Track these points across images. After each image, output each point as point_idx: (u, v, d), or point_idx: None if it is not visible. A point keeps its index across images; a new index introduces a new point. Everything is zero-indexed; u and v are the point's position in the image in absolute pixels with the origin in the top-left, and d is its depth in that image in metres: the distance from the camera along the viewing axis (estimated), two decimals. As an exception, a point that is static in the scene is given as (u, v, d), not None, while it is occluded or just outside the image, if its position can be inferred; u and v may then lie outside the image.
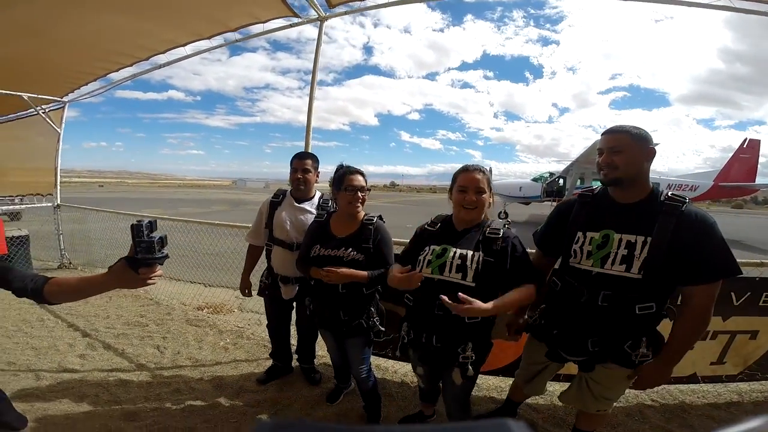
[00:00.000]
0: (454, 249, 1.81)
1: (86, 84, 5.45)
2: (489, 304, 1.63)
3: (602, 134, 1.73)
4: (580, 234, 1.74)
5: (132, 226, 1.11)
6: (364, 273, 2.11)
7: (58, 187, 6.44)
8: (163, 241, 1.16)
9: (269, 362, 3.11)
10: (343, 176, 2.18)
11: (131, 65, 4.76)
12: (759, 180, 20.97)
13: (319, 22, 3.57)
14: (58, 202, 6.43)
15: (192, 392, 2.75)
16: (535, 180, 20.36)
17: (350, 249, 2.13)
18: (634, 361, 1.68)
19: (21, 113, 6.25)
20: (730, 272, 1.54)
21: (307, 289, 2.47)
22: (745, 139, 20.84)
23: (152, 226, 1.14)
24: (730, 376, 2.86)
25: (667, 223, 1.55)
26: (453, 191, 1.89)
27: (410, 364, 2.85)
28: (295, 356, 3.09)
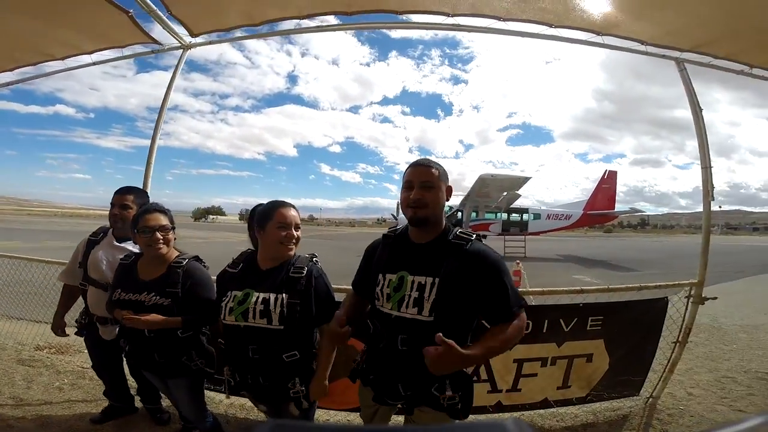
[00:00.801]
0: (256, 294, 1.76)
1: None
2: (321, 377, 1.79)
3: (412, 166, 1.65)
4: (380, 276, 1.66)
5: None
6: (177, 319, 1.99)
7: None
8: None
9: (95, 412, 2.86)
10: (138, 217, 2.09)
11: (11, 70, 4.00)
12: (618, 207, 24.43)
13: (182, 50, 3.50)
14: None
15: (9, 429, 2.48)
16: None
17: (152, 293, 2.00)
18: (443, 404, 1.56)
19: None
20: (523, 305, 1.56)
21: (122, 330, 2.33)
22: (606, 171, 24.38)
23: None
24: (579, 398, 2.98)
25: (453, 263, 1.52)
26: (263, 227, 1.83)
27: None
28: (137, 397, 2.90)
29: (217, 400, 3.04)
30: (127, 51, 3.48)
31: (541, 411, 2.98)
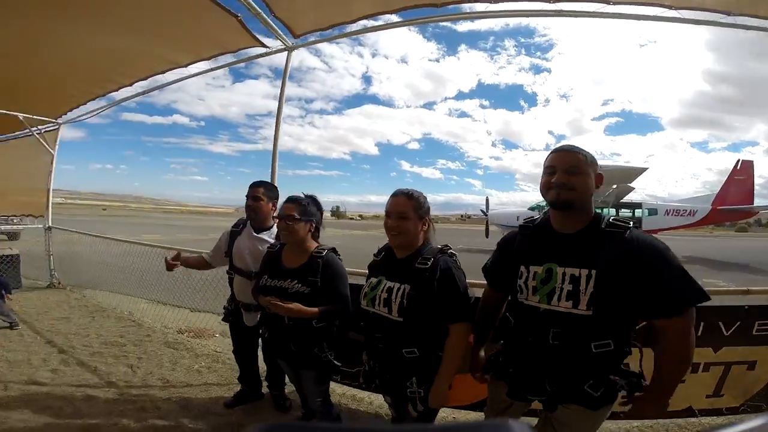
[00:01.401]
0: (387, 282, 1.77)
1: (83, 104, 5.54)
2: (441, 385, 1.69)
3: (555, 151, 1.57)
4: (523, 268, 1.59)
5: None
6: (315, 309, 2.02)
7: (50, 209, 6.55)
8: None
9: (240, 387, 3.08)
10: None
11: (130, 85, 4.77)
12: (757, 201, 20.82)
13: (286, 52, 3.61)
14: (49, 224, 6.53)
15: (157, 411, 2.72)
16: (531, 209, 19.93)
17: (295, 281, 2.07)
18: (599, 401, 1.48)
19: (17, 134, 6.34)
20: (697, 299, 1.39)
21: (264, 317, 2.47)
22: (738, 161, 20.92)
23: None
24: (731, 408, 2.71)
25: (611, 252, 1.41)
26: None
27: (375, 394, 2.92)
28: (265, 382, 3.05)
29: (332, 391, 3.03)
30: (227, 58, 3.84)
31: (679, 420, 2.73)
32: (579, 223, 1.52)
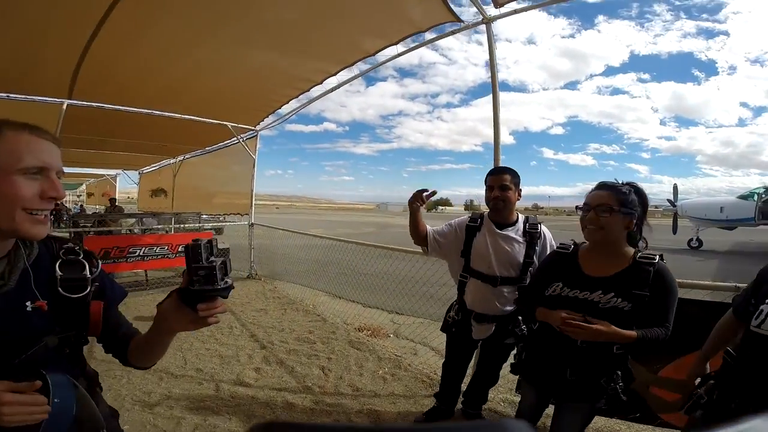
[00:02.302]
0: None
1: (268, 116, 6.28)
2: None
3: None
4: None
5: (187, 247, 0.82)
6: (633, 333, 1.55)
7: (253, 208, 7.54)
8: (226, 266, 0.86)
9: (428, 400, 2.88)
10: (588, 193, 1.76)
11: (296, 97, 5.29)
12: None
13: (485, 25, 3.22)
14: (252, 221, 7.50)
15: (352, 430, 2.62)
16: (743, 197, 16.04)
17: (611, 294, 1.61)
18: None
19: (226, 142, 7.69)
20: None
21: (498, 331, 2.26)
22: None
23: (212, 247, 0.85)
24: None
25: None
26: None
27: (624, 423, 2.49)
28: (461, 398, 2.75)
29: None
30: (427, 35, 3.64)
31: None
32: None
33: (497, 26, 3.25)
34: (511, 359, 2.12)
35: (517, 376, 2.00)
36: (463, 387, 2.74)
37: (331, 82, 4.72)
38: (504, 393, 2.99)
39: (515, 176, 2.28)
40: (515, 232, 2.28)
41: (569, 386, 1.70)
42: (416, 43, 3.92)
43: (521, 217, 2.34)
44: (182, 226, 8.43)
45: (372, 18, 3.45)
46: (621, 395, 1.68)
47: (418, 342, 4.12)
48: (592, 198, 1.67)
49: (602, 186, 1.69)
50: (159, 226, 8.03)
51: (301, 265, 6.82)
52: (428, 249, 2.41)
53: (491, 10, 3.12)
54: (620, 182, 1.71)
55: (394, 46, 3.77)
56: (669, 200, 18.27)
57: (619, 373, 1.68)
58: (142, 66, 4.10)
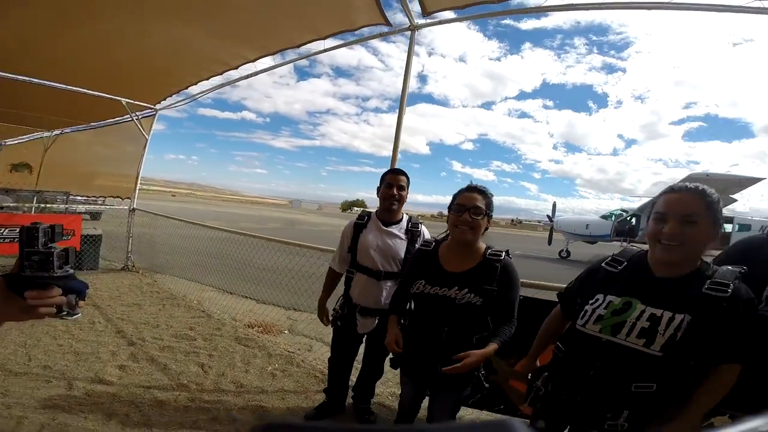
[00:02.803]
0: (644, 306, 1.36)
1: (173, 94, 5.67)
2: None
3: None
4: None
5: (22, 229, 0.75)
6: (493, 347, 1.67)
7: (136, 192, 6.66)
8: (66, 255, 0.78)
9: (319, 396, 2.77)
10: (457, 193, 1.83)
11: (207, 79, 4.86)
12: None
13: (410, 32, 3.34)
14: (134, 206, 6.61)
15: (233, 422, 2.39)
16: (604, 217, 18.84)
17: (465, 289, 1.72)
18: None
19: (117, 119, 6.69)
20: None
21: (381, 324, 2.32)
22: None
23: (53, 233, 0.78)
24: None
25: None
26: (650, 220, 1.43)
27: (474, 411, 2.65)
28: (350, 393, 2.72)
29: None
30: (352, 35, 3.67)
31: None
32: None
33: (436, 41, 3.49)
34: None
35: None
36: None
37: (250, 68, 4.47)
38: (392, 387, 3.00)
39: (408, 179, 2.41)
40: (399, 230, 2.38)
41: (440, 377, 1.75)
42: (343, 41, 3.88)
43: (405, 217, 2.45)
44: (45, 206, 7.12)
45: (301, 9, 3.34)
46: (484, 383, 1.83)
47: (314, 338, 3.96)
48: (466, 199, 1.76)
49: (474, 188, 1.79)
50: (12, 204, 6.67)
51: (188, 258, 6.18)
52: (343, 270, 2.50)
53: (420, 19, 3.26)
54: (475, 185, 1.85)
55: (322, 41, 3.69)
56: (548, 216, 20.62)
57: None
58: (24, 31, 3.52)
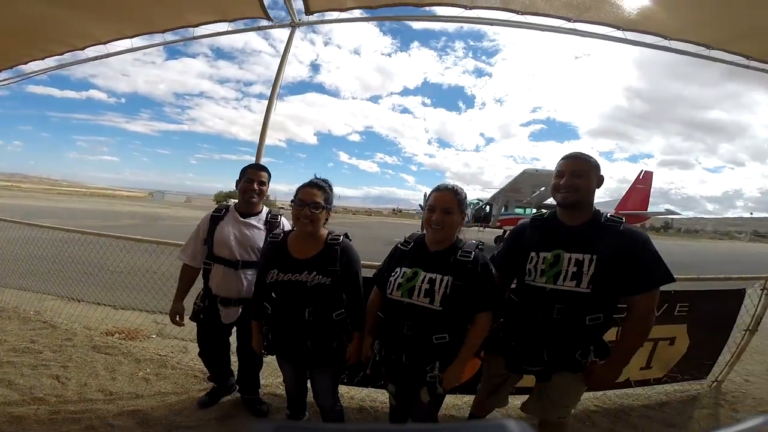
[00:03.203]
0: (425, 273, 1.80)
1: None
2: (459, 367, 1.79)
3: (565, 158, 1.86)
4: (533, 254, 1.86)
5: None
6: (356, 336, 2.05)
7: None
8: None
9: (203, 394, 2.77)
10: (299, 188, 2.01)
11: (42, 59, 4.19)
12: (650, 208, 23.93)
13: (290, 28, 3.39)
14: None
15: (111, 429, 2.30)
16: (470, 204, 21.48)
17: (314, 272, 1.93)
18: (585, 367, 1.81)
19: None
20: (666, 280, 1.73)
21: (246, 313, 2.34)
22: (641, 172, 23.72)
23: None
24: (657, 379, 3.22)
25: (609, 242, 1.73)
26: (424, 211, 1.91)
27: (365, 389, 2.95)
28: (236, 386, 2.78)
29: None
30: (233, 26, 3.47)
31: (619, 391, 3.21)
32: (583, 217, 1.83)
33: (333, 31, 3.60)
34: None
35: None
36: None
37: (101, 50, 3.98)
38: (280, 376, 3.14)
39: (270, 175, 2.52)
40: (258, 221, 2.47)
41: (313, 354, 2.01)
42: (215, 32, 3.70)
43: (265, 209, 2.55)
44: None
45: None
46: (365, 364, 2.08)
47: (189, 339, 3.82)
48: (306, 195, 1.94)
49: (314, 184, 2.00)
50: None
51: (16, 265, 5.16)
52: (197, 263, 2.50)
53: (302, 16, 3.34)
54: (318, 178, 2.06)
55: (192, 29, 3.51)
56: (420, 205, 21.86)
57: (344, 336, 2.07)
58: None
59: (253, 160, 3.32)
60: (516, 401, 2.66)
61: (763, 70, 3.25)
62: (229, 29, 3.53)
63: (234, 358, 2.68)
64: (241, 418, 2.59)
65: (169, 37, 3.83)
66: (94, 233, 4.32)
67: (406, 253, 1.93)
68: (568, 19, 3.11)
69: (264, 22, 3.40)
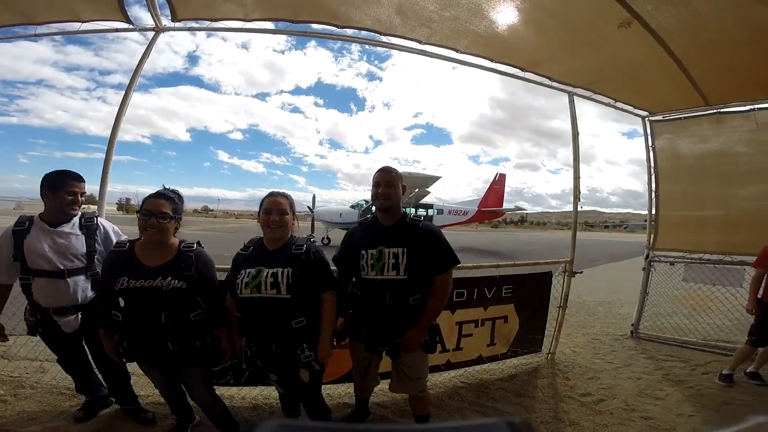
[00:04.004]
0: (267, 269, 2.00)
1: None
2: (325, 339, 2.08)
3: (380, 171, 2.26)
4: (363, 252, 2.22)
5: None
6: (227, 332, 2.17)
7: None
8: None
9: (74, 408, 2.68)
10: (146, 198, 2.05)
11: None
12: (505, 205, 28.28)
13: (153, 33, 3.21)
14: None
15: None
16: (353, 207, 21.49)
17: (168, 277, 1.99)
18: (422, 344, 2.26)
19: None
20: (455, 263, 2.24)
21: (89, 322, 2.30)
22: (497, 174, 27.78)
23: None
24: (503, 354, 3.68)
25: (413, 236, 2.18)
26: (260, 214, 2.11)
27: (256, 388, 3.05)
28: (112, 399, 2.74)
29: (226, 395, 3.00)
30: (86, 26, 3.09)
31: (477, 367, 3.64)
32: (394, 219, 2.27)
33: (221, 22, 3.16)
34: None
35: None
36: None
37: None
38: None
39: (84, 183, 2.43)
40: (71, 227, 2.36)
41: (177, 355, 2.07)
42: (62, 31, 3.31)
43: (78, 214, 2.44)
44: None
45: None
46: (243, 365, 2.23)
47: (45, 359, 3.41)
48: (152, 205, 2.01)
49: (161, 195, 2.08)
50: None
51: None
52: (8, 280, 2.38)
53: (168, 22, 3.17)
54: (166, 188, 2.15)
55: (34, 26, 3.11)
56: (309, 207, 21.37)
57: (206, 335, 2.16)
58: None
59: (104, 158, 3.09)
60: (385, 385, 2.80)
61: (597, 101, 4.30)
62: (81, 29, 3.15)
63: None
64: (126, 430, 2.59)
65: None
66: None
67: (247, 256, 2.11)
68: (456, 50, 3.50)
69: (123, 25, 3.11)
